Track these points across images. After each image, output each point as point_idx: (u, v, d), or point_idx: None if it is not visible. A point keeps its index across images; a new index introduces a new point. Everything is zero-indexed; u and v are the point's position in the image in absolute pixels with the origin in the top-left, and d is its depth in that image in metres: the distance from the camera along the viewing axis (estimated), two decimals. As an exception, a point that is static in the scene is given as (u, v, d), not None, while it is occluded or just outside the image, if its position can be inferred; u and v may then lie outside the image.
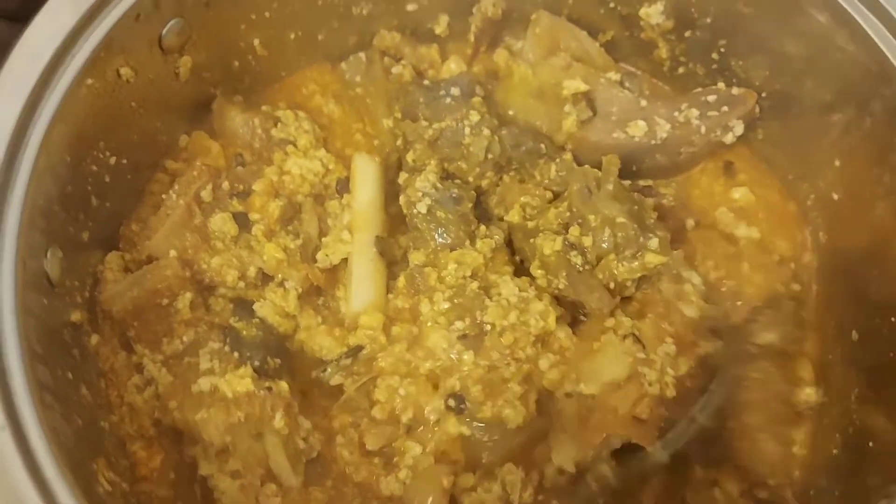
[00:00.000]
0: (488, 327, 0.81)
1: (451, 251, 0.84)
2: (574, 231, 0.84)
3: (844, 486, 0.80)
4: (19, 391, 0.63)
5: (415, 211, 0.86)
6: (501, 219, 0.89)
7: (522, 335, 0.81)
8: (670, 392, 0.81)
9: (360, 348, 0.83)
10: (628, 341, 0.83)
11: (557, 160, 0.90)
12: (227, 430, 0.76)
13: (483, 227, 0.86)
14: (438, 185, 0.86)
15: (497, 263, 0.86)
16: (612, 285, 0.84)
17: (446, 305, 0.81)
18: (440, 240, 0.84)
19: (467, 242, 0.84)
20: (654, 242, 0.83)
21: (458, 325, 0.81)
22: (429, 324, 0.82)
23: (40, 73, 0.71)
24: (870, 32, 0.79)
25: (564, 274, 0.83)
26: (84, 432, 0.71)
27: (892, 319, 0.79)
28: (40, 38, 0.72)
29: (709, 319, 0.86)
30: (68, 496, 0.62)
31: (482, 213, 0.90)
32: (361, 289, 0.86)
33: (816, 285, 0.92)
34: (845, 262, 0.89)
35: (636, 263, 0.83)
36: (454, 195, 0.86)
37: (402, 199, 0.88)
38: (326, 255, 0.88)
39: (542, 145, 0.90)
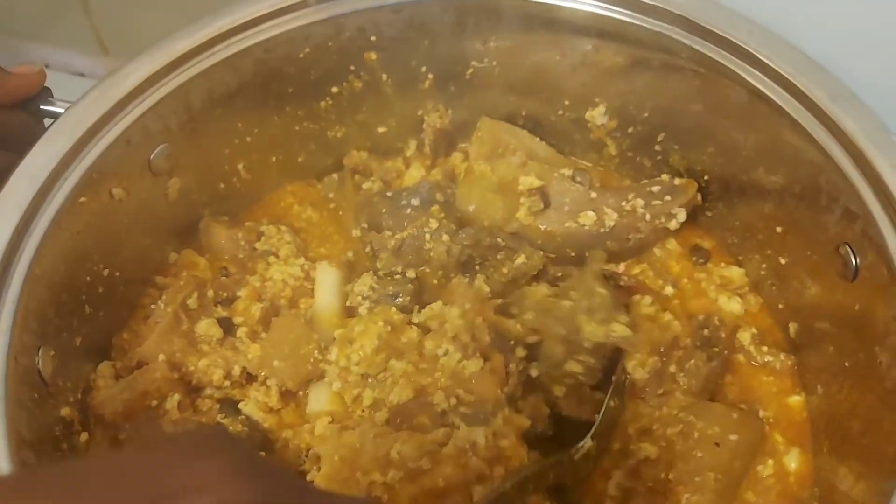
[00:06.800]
0: None
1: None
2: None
3: None
4: (4, 471, 0.66)
5: (361, 311, 0.91)
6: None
7: None
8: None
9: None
10: None
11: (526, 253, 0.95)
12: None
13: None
14: (375, 285, 0.92)
15: None
16: None
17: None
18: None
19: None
20: (623, 318, 0.87)
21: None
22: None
23: (36, 191, 0.78)
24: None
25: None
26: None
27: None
28: (38, 161, 0.80)
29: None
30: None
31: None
32: (316, 392, 0.88)
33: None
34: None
35: (603, 328, 0.86)
36: (390, 292, 0.92)
37: (348, 303, 0.94)
38: None
39: (499, 239, 0.95)
